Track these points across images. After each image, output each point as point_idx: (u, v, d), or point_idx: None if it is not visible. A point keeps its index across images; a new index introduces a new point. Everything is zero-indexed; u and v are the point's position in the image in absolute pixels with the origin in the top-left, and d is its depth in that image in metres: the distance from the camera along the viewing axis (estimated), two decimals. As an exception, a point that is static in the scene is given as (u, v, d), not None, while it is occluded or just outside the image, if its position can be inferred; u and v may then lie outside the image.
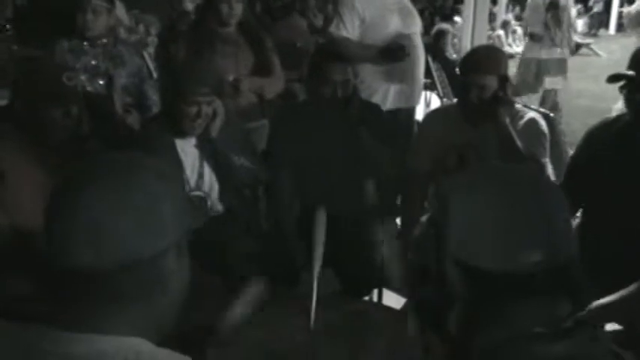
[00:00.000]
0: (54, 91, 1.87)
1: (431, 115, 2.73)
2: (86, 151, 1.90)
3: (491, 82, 2.12)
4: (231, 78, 2.71)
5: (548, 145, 2.21)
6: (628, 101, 1.91)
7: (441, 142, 2.29)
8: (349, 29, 3.17)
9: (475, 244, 0.93)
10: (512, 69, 10.28)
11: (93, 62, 2.67)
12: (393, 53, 3.14)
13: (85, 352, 0.77)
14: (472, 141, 2.20)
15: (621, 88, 1.90)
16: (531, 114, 2.24)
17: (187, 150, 2.22)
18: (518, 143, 2.07)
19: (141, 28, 4.33)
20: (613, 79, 1.88)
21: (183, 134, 2.19)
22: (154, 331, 0.84)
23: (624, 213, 1.87)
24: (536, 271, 0.90)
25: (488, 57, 2.22)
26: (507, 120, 2.11)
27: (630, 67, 1.89)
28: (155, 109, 2.81)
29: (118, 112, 2.67)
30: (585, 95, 5.77)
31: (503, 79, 2.15)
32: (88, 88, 2.60)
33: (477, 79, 2.13)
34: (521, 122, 2.19)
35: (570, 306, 0.93)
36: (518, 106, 2.29)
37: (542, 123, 2.22)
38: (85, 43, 2.67)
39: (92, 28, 2.65)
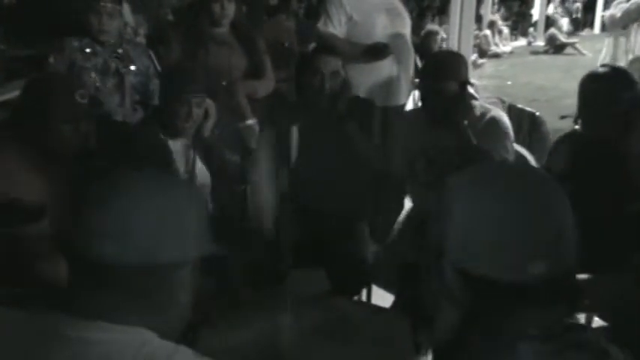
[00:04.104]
0: (66, 108, 1.86)
1: (402, 118, 2.77)
2: (91, 166, 1.91)
3: (450, 88, 2.14)
4: (224, 83, 2.72)
5: (511, 143, 2.24)
6: (582, 128, 2.07)
7: (409, 145, 2.32)
8: (336, 26, 3.20)
9: (476, 249, 0.90)
10: (499, 67, 10.40)
11: (104, 62, 2.68)
12: (377, 51, 3.17)
13: (100, 338, 0.83)
14: (436, 144, 2.23)
15: (575, 121, 2.07)
16: (492, 113, 2.25)
17: (180, 150, 2.23)
18: (475, 146, 2.10)
19: (129, 28, 4.32)
20: (563, 117, 2.06)
21: (175, 134, 2.21)
22: (161, 335, 0.89)
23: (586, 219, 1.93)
24: (538, 281, 0.87)
25: (446, 63, 2.25)
26: (466, 123, 2.14)
27: (578, 97, 2.04)
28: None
29: (127, 109, 2.71)
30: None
31: (463, 83, 2.17)
32: (98, 84, 2.63)
33: (435, 85, 2.16)
34: (482, 122, 2.22)
35: (565, 311, 0.93)
36: (481, 104, 2.32)
37: (504, 121, 2.25)
38: (96, 45, 2.68)
39: (108, 31, 2.66)
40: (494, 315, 0.91)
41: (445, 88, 2.13)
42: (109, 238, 0.84)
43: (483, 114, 2.24)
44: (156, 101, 2.80)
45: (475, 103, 2.31)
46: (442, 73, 2.17)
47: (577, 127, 2.11)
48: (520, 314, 0.90)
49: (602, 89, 1.98)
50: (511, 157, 2.22)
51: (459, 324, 0.96)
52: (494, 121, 2.22)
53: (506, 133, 2.22)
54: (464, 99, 2.16)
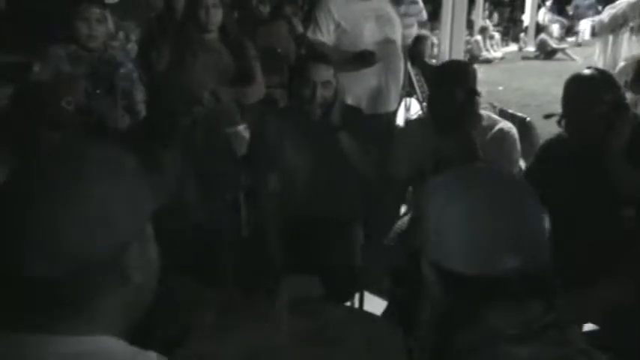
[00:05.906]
0: (53, 116, 1.86)
1: (409, 124, 2.77)
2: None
3: (458, 95, 2.16)
4: (210, 88, 2.72)
5: (517, 156, 2.26)
6: (565, 129, 2.09)
7: (417, 151, 2.32)
8: (324, 34, 3.21)
9: (450, 247, 0.93)
10: (490, 73, 10.45)
11: (92, 68, 2.68)
12: (363, 59, 3.17)
13: (63, 353, 0.76)
14: (444, 151, 2.24)
15: (558, 122, 2.08)
16: (501, 125, 2.28)
17: (170, 158, 2.22)
18: (481, 156, 2.11)
19: (120, 34, 4.30)
20: (547, 117, 2.12)
21: (166, 144, 2.20)
22: (123, 323, 0.83)
23: (572, 221, 1.93)
24: (511, 276, 0.90)
25: (454, 71, 2.27)
26: (473, 132, 2.15)
27: (562, 99, 2.06)
28: (144, 114, 2.81)
29: (118, 114, 2.72)
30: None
31: (471, 92, 2.19)
32: (89, 90, 2.61)
33: (443, 92, 2.18)
34: (490, 134, 2.24)
35: (543, 308, 0.94)
36: (489, 115, 2.34)
37: (512, 134, 2.27)
38: (82, 51, 2.67)
39: (96, 37, 2.66)
40: (474, 313, 0.93)
41: (453, 95, 2.15)
42: (32, 253, 0.73)
43: (492, 125, 2.26)
44: (140, 106, 2.80)
45: (484, 114, 2.32)
46: (450, 81, 2.18)
47: (560, 128, 2.13)
48: (497, 312, 0.92)
49: (585, 91, 2.01)
50: (516, 170, 2.23)
51: (440, 323, 0.99)
52: (503, 134, 2.24)
53: (513, 147, 2.24)
54: (472, 107, 2.17)
